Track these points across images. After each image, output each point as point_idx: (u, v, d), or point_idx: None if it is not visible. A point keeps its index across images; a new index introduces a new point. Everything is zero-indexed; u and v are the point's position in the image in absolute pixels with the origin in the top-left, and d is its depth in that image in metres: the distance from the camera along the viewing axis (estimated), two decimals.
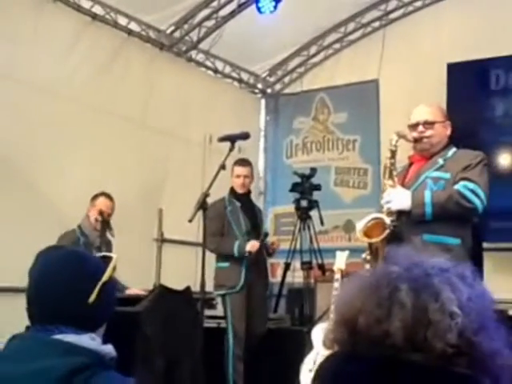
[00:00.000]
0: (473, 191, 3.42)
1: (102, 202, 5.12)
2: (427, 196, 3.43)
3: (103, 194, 5.22)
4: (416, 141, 3.63)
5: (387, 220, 3.40)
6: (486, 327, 1.01)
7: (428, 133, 3.63)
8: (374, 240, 3.39)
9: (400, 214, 3.48)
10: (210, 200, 4.05)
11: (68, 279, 1.48)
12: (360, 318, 1.04)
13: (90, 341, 1.42)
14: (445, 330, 0.99)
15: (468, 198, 3.40)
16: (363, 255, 3.56)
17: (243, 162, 5.49)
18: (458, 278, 1.04)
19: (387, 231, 3.37)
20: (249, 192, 5.60)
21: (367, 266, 3.50)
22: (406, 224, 3.48)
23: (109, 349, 1.45)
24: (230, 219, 5.37)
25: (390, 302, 1.02)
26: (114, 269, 1.57)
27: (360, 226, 3.47)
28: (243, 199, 5.50)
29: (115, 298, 1.64)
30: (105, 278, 1.52)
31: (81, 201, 5.47)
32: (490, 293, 1.07)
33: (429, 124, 3.63)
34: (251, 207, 5.60)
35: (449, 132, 3.71)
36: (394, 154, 3.60)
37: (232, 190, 5.49)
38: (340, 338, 1.10)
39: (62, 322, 1.43)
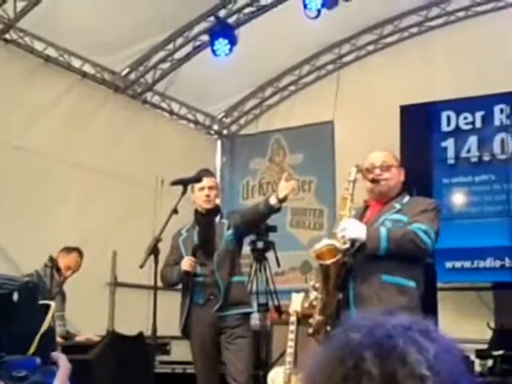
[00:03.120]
0: (425, 232, 3.44)
1: (73, 259, 5.16)
2: (383, 231, 3.43)
3: (77, 250, 5.24)
4: (373, 181, 3.61)
5: (340, 246, 3.37)
6: (458, 383, 0.98)
7: (385, 175, 3.63)
8: (326, 262, 3.33)
9: (357, 251, 3.46)
10: (161, 245, 3.97)
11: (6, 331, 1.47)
12: None
13: None
14: None
15: (421, 238, 3.42)
16: (311, 282, 3.49)
17: (206, 173, 4.61)
18: (421, 334, 0.99)
19: (340, 255, 3.34)
20: (216, 209, 4.60)
21: (314, 294, 3.43)
22: (364, 263, 3.46)
23: None
24: (182, 249, 4.57)
25: (357, 373, 0.97)
26: (53, 317, 1.56)
27: (313, 249, 3.42)
28: (205, 221, 4.55)
29: (55, 344, 1.63)
30: (44, 328, 1.50)
31: (33, 247, 5.37)
32: (456, 344, 1.02)
33: (385, 167, 3.64)
34: (212, 230, 4.55)
35: (402, 178, 3.72)
36: (353, 185, 3.58)
37: (196, 213, 4.59)
38: None
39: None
